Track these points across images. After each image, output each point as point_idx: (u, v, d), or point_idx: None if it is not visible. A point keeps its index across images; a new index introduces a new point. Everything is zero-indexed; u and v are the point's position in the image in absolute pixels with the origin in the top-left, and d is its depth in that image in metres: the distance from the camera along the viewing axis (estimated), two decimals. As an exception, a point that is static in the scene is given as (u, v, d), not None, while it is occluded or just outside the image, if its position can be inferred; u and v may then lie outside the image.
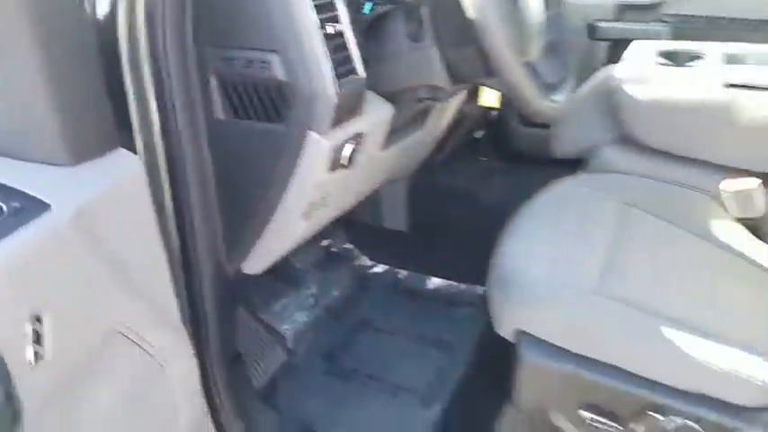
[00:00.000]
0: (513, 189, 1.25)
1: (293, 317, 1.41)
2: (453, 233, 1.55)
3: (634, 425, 0.89)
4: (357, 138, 0.87)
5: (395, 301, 1.54)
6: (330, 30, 0.78)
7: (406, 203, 1.57)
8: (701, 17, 1.88)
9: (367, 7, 1.00)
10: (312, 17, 0.77)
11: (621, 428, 0.90)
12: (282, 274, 1.46)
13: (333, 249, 1.63)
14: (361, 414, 1.19)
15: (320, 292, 1.48)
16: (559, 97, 1.03)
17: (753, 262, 1.08)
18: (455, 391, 1.23)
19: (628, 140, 1.36)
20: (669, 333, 0.88)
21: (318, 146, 0.81)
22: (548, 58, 1.09)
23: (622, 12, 2.01)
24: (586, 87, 1.45)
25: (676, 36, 1.78)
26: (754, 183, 1.15)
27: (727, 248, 1.11)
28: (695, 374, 0.86)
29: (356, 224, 1.62)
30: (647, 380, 0.88)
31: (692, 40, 1.52)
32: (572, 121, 1.45)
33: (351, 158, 0.86)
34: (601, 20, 1.99)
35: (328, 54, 0.77)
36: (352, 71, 0.81)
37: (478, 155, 1.76)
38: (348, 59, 0.81)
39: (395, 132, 1.08)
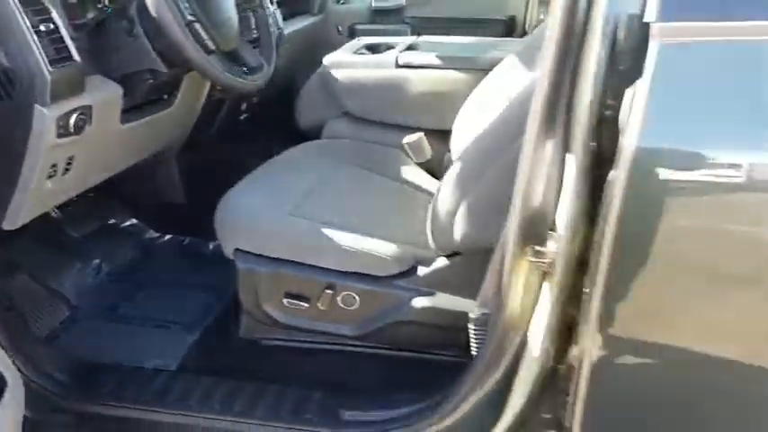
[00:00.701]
0: None
1: (77, 281, 1.60)
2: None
3: (317, 301, 1.26)
4: (84, 110, 1.13)
5: (177, 263, 1.79)
6: (44, 28, 1.05)
7: (181, 178, 1.83)
8: (434, 18, 2.41)
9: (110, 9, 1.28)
10: (25, 20, 1.02)
11: (309, 305, 1.27)
12: (67, 246, 1.66)
13: (120, 226, 1.85)
14: (135, 345, 1.43)
15: (104, 260, 1.69)
16: (257, 77, 1.37)
17: (418, 188, 1.52)
18: (216, 318, 1.53)
19: (346, 113, 1.77)
20: (338, 236, 1.25)
21: (43, 116, 1.05)
22: (250, 47, 1.44)
23: (375, 16, 2.48)
24: (316, 74, 1.84)
25: (415, 33, 2.25)
26: (419, 135, 1.60)
27: (405, 183, 1.54)
28: (353, 260, 1.24)
29: (139, 202, 1.85)
30: (323, 268, 1.25)
31: (428, 35, 1.98)
32: (307, 101, 1.84)
33: (78, 126, 1.12)
34: (359, 23, 2.43)
35: (40, 46, 1.03)
36: (69, 58, 1.08)
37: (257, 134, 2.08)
38: (64, 49, 1.07)
39: (136, 109, 1.35)
